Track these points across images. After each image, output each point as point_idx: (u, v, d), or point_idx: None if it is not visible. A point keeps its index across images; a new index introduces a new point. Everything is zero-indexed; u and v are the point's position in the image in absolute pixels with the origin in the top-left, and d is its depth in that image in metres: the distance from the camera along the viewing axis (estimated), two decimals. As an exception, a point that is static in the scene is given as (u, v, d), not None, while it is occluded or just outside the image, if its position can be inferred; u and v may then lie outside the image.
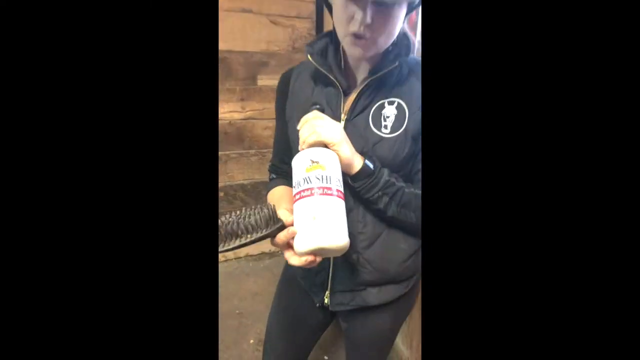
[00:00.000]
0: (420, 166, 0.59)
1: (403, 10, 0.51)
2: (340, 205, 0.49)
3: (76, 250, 0.25)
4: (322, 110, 0.55)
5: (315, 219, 0.46)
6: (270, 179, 0.72)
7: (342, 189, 0.50)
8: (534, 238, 0.25)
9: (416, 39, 1.02)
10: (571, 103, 0.24)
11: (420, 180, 0.59)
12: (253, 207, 0.50)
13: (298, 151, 0.53)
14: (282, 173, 0.70)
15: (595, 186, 0.23)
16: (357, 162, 0.53)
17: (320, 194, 0.47)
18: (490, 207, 0.25)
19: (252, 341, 1.42)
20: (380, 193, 0.55)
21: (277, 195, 0.66)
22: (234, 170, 1.75)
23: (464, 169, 0.26)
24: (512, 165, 0.25)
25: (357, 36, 0.50)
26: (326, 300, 0.67)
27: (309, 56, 0.59)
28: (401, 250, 0.62)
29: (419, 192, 0.57)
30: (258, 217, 0.49)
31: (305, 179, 0.49)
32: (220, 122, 1.64)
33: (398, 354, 1.28)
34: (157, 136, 0.27)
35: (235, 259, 1.86)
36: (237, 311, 1.52)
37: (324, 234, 0.46)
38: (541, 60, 0.24)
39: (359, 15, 0.48)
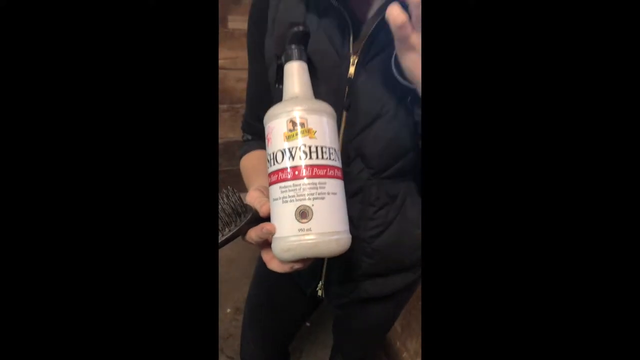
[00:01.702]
0: None
1: None
2: (339, 189, 0.35)
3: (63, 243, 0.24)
4: (306, 35, 0.38)
5: (303, 217, 0.32)
6: (244, 141, 0.56)
7: (339, 160, 0.36)
8: (534, 235, 0.24)
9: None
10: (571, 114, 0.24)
11: None
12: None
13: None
14: (258, 132, 0.54)
15: (593, 189, 0.23)
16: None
17: (309, 177, 0.33)
18: (491, 202, 0.25)
19: (229, 310, 1.35)
20: None
21: (251, 165, 0.51)
22: (204, 127, 1.56)
23: (466, 164, 0.26)
24: (513, 163, 0.25)
25: None
26: (319, 292, 0.55)
27: None
28: (414, 236, 0.50)
29: None
30: (223, 206, 0.34)
31: (283, 153, 0.34)
32: (186, 70, 1.42)
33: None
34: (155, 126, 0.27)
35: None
36: (213, 279, 1.43)
37: (317, 241, 0.32)
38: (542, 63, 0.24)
39: None
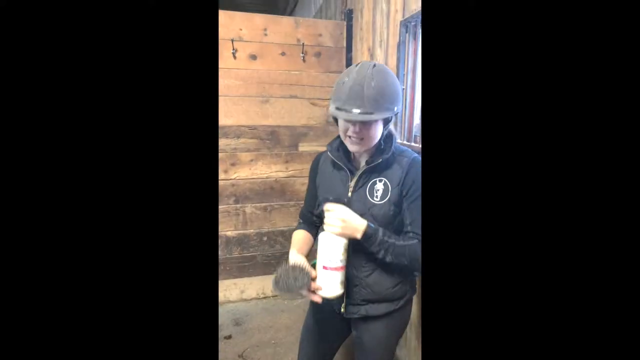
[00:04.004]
0: (398, 222, 0.88)
1: (380, 123, 0.83)
2: (344, 274, 0.86)
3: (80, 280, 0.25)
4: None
5: (339, 284, 0.84)
6: (298, 223, 1.07)
7: (345, 265, 0.86)
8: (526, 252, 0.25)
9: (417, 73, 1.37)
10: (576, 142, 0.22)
11: (407, 233, 0.87)
12: (291, 267, 0.84)
13: (321, 204, 0.91)
14: (307, 220, 1.05)
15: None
16: (359, 234, 0.83)
17: (339, 269, 0.84)
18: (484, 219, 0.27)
19: (283, 368, 1.65)
20: (378, 248, 0.84)
21: (298, 237, 1.01)
22: (276, 219, 2.09)
23: (461, 181, 0.27)
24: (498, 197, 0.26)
25: (351, 138, 0.84)
26: (342, 309, 0.96)
27: (328, 152, 0.93)
28: (389, 280, 0.92)
29: (406, 243, 0.84)
30: (305, 280, 0.83)
31: (336, 261, 0.84)
32: (267, 179, 2.02)
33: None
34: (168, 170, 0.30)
35: (272, 296, 2.14)
36: (273, 341, 1.77)
37: (334, 289, 0.85)
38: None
39: (350, 126, 0.82)
